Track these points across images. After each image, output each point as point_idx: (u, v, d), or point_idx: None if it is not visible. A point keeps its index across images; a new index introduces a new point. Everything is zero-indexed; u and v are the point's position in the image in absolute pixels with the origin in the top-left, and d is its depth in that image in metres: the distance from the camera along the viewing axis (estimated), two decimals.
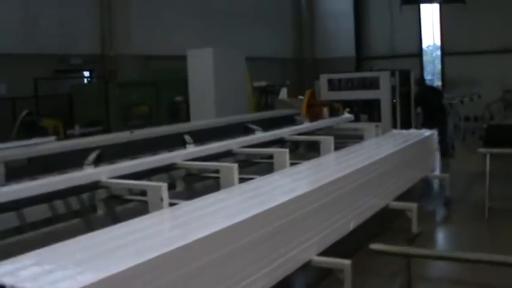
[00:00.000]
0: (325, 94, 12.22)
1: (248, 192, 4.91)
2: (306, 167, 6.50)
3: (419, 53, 21.62)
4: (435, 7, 21.19)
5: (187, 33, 17.09)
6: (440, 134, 12.77)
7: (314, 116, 10.77)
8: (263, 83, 14.85)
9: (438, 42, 21.70)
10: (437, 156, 9.71)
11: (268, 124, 9.60)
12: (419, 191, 9.70)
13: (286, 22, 22.38)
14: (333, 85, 12.29)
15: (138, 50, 15.31)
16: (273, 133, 8.23)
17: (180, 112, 11.21)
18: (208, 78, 10.42)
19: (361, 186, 6.23)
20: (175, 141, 6.66)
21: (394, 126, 11.85)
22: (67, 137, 9.72)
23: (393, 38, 21.77)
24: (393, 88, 11.88)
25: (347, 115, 10.52)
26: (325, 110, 10.97)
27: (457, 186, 9.76)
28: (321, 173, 6.07)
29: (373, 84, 11.86)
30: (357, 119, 10.69)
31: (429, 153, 9.44)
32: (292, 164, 6.55)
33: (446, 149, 12.97)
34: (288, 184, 5.40)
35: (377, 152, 7.45)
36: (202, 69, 10.49)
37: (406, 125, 12.73)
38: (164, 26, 16.47)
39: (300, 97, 14.07)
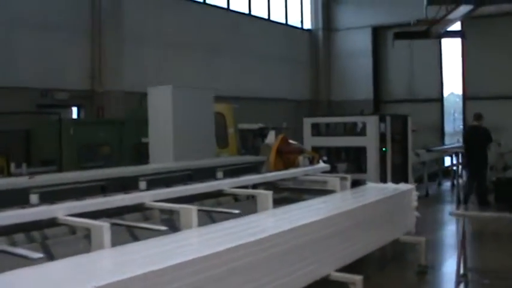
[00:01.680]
0: (309, 140, 10.83)
1: None
2: (218, 228, 5.20)
3: (440, 97, 19.91)
4: (457, 49, 19.54)
5: (188, 71, 16.06)
6: (481, 179, 12.01)
7: (286, 164, 9.40)
8: (255, 126, 13.50)
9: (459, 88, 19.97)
10: (414, 215, 8.07)
11: (230, 171, 8.33)
12: (391, 256, 8.21)
13: (302, 62, 21.20)
14: (317, 130, 10.87)
15: (130, 86, 14.29)
16: (210, 184, 6.86)
17: (147, 153, 9.95)
18: (167, 119, 9.19)
19: (280, 254, 4.96)
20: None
21: (383, 179, 10.31)
22: (10, 175, 8.59)
23: (413, 81, 20.24)
24: (383, 135, 10.34)
25: (322, 165, 9.07)
26: (301, 158, 9.57)
27: (442, 249, 8.17)
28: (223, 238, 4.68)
29: (354, 130, 10.37)
30: (333, 169, 9.16)
31: (404, 212, 7.87)
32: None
33: (484, 197, 11.97)
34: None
35: (322, 211, 6.05)
36: (161, 108, 9.27)
37: (399, 177, 11.19)
38: (161, 63, 15.45)
39: (291, 142, 12.70)
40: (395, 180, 11.18)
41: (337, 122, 10.81)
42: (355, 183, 9.51)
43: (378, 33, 20.58)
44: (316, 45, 21.61)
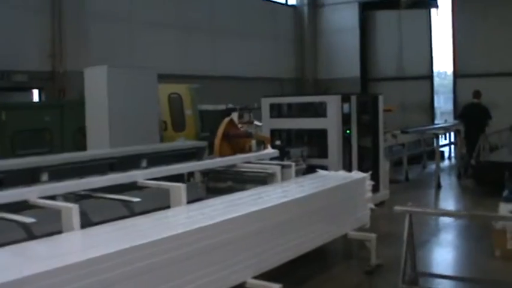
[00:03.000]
0: (267, 122, 9.78)
1: None
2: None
3: (430, 75, 18.69)
4: (448, 24, 18.27)
5: (161, 51, 14.99)
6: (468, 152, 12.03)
7: (235, 150, 8.40)
8: (222, 106, 12.45)
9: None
10: (368, 206, 7.05)
11: (162, 158, 7.34)
12: (341, 253, 7.27)
13: (287, 40, 20.01)
14: (275, 111, 9.80)
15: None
16: (121, 176, 5.88)
17: None
18: (102, 101, 8.17)
19: (171, 262, 4.09)
20: None
21: (348, 164, 9.25)
22: None
23: (402, 58, 19.01)
24: (347, 116, 9.26)
25: (268, 150, 8.04)
26: (254, 143, 8.57)
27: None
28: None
29: (319, 111, 9.30)
30: (283, 155, 8.13)
31: (354, 204, 6.86)
32: None
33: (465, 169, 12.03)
34: None
35: (242, 207, 5.18)
36: (97, 90, 8.25)
37: (368, 162, 10.17)
38: (132, 42, 14.38)
39: (257, 123, 11.68)
40: (363, 165, 10.23)
41: (297, 102, 9.71)
42: (309, 170, 8.57)
43: (365, 8, 19.33)
44: (301, 21, 20.40)
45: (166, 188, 5.66)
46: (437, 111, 26.81)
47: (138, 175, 5.95)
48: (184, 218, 4.94)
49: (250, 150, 8.64)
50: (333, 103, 9.12)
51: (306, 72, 20.45)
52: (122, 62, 13.78)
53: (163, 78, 13.59)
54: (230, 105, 13.11)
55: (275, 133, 9.77)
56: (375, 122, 10.29)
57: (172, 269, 4.11)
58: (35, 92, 13.12)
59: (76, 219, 4.58)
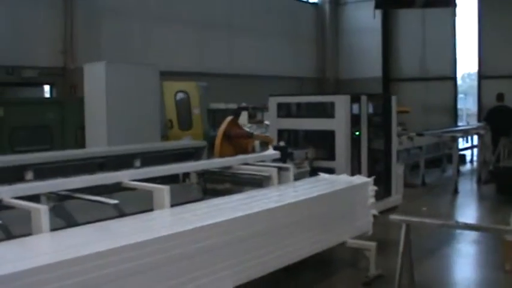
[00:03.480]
0: (274, 122, 9.41)
1: None
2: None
3: (453, 75, 18.07)
4: (473, 24, 17.64)
5: (177, 47, 14.77)
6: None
7: (237, 150, 8.09)
8: (233, 105, 12.15)
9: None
10: (371, 213, 6.67)
11: (162, 158, 7.12)
12: (341, 262, 6.90)
13: (308, 39, 19.63)
14: (283, 111, 9.44)
15: None
16: (108, 175, 5.61)
17: None
18: (101, 98, 7.92)
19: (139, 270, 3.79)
20: None
21: (356, 167, 8.85)
22: None
23: (425, 58, 18.49)
24: (356, 117, 8.84)
25: (269, 152, 7.69)
26: (257, 144, 8.24)
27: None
28: None
29: (327, 111, 8.90)
30: (285, 157, 7.77)
31: (355, 210, 6.48)
32: None
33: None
34: None
35: (225, 212, 4.86)
36: (95, 86, 8.01)
37: (380, 165, 9.75)
38: (145, 36, 14.17)
39: (267, 122, 11.33)
40: (374, 169, 9.79)
41: (305, 101, 9.32)
42: (315, 173, 8.21)
43: (379, 6, 18.65)
44: (323, 20, 19.99)
45: (150, 189, 5.37)
46: (464, 113, 26.22)
47: (123, 175, 5.67)
48: (159, 223, 4.64)
49: (253, 151, 8.33)
50: (341, 103, 8.70)
51: (327, 72, 20.02)
52: (135, 58, 13.58)
53: (177, 75, 13.52)
54: (243, 104, 12.81)
55: (282, 133, 9.40)
56: (387, 124, 9.83)
57: (135, 279, 3.81)
58: (46, 88, 13.01)
59: (45, 221, 4.33)
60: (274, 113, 9.42)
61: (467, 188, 12.28)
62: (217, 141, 7.89)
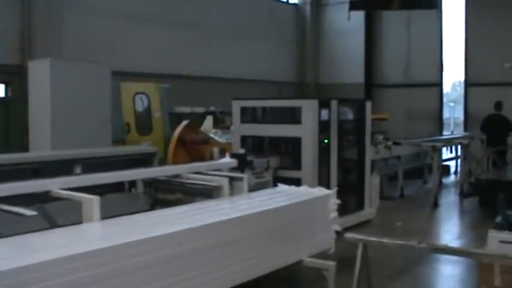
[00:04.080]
0: (237, 127, 8.99)
1: None
2: None
3: (439, 82, 17.78)
4: (460, 28, 17.38)
5: (145, 46, 14.30)
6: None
7: (193, 157, 7.67)
8: (200, 109, 11.71)
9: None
10: (333, 228, 6.26)
11: (106, 164, 6.67)
12: (301, 281, 6.47)
13: (288, 41, 19.24)
14: (247, 116, 9.04)
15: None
16: (34, 183, 5.17)
17: None
18: (45, 99, 7.45)
19: None
20: None
21: (326, 179, 8.46)
22: None
23: (409, 64, 18.19)
24: (325, 124, 8.45)
25: (225, 160, 7.27)
26: (216, 150, 7.82)
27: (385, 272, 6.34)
28: None
29: (293, 116, 8.51)
30: (243, 165, 7.35)
31: (314, 226, 6.06)
32: None
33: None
34: None
35: (161, 227, 4.41)
36: (39, 86, 7.53)
37: (352, 175, 9.40)
38: (112, 35, 13.68)
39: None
40: (347, 179, 9.43)
41: (271, 106, 8.92)
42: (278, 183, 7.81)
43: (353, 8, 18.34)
44: (303, 21, 19.62)
45: (79, 200, 4.94)
46: (452, 122, 26.00)
47: (53, 184, 5.22)
48: (74, 238, 4.19)
49: (211, 159, 7.92)
50: (308, 108, 8.30)
51: (307, 76, 19.66)
52: (99, 57, 13.05)
53: (143, 76, 13.09)
54: (212, 108, 12.37)
55: (246, 140, 9.01)
56: (360, 131, 9.46)
57: None
58: (1, 87, 12.50)
59: None
60: (237, 118, 9.02)
61: (449, 201, 11.91)
62: (171, 147, 7.48)
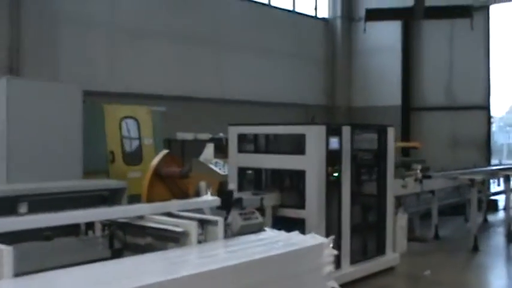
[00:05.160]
0: (234, 158, 8.15)
1: None
2: None
3: (486, 105, 16.58)
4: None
5: (154, 65, 13.64)
6: None
7: (175, 192, 6.87)
8: (205, 135, 10.92)
9: None
10: (328, 286, 5.31)
11: (61, 202, 5.94)
12: None
13: (316, 60, 18.40)
14: (246, 144, 8.20)
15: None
16: None
17: None
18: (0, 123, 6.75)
19: None
20: None
21: (335, 221, 7.53)
22: None
23: (452, 83, 17.09)
24: (335, 154, 7.54)
25: (208, 198, 6.41)
26: (203, 185, 6.99)
27: None
28: None
29: (298, 145, 7.61)
30: (228, 204, 6.47)
31: (300, 284, 5.13)
32: None
33: None
34: None
35: None
36: None
37: (370, 215, 8.47)
38: (113, 52, 13.06)
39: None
40: (366, 219, 8.48)
41: (270, 132, 8.02)
42: (278, 224, 7.04)
43: (409, 24, 17.51)
44: (334, 37, 18.71)
45: None
46: (505, 150, 24.54)
47: None
48: None
49: (197, 195, 7.05)
50: (313, 136, 7.40)
51: (338, 99, 18.72)
52: (99, 78, 12.53)
53: (149, 99, 12.44)
54: (221, 135, 11.54)
55: (245, 173, 8.16)
56: (381, 162, 8.48)
57: None
58: None
59: None
60: (234, 147, 8.20)
61: (494, 244, 10.78)
62: (145, 181, 6.65)
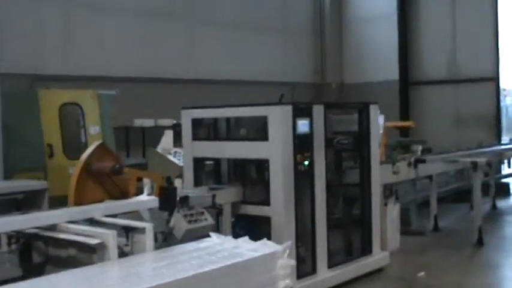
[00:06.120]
0: (189, 147, 7.41)
1: None
2: None
3: (494, 75, 15.78)
4: None
5: (118, 42, 12.82)
6: None
7: (111, 191, 6.15)
8: (167, 121, 10.16)
9: None
10: None
11: None
12: None
13: (303, 32, 17.59)
14: (201, 130, 7.46)
15: (10, 64, 11.05)
16: None
17: None
18: None
19: None
20: None
21: (307, 217, 6.82)
22: None
23: (456, 54, 16.22)
24: (305, 138, 6.76)
25: (142, 198, 5.69)
26: (147, 183, 6.25)
27: None
28: None
29: (259, 130, 6.85)
30: (171, 204, 5.76)
31: None
32: None
33: None
34: None
35: None
36: None
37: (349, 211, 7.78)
38: (67, 27, 12.17)
39: None
40: (347, 213, 7.78)
41: (227, 116, 7.22)
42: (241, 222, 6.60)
43: None
44: (322, 8, 17.85)
45: None
46: None
47: None
48: None
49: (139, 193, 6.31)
50: (277, 118, 6.62)
51: (328, 75, 17.90)
52: (50, 61, 11.72)
53: (110, 81, 11.63)
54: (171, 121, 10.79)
55: (202, 164, 7.41)
56: (364, 147, 7.71)
57: None
58: None
59: None
60: (188, 134, 7.43)
61: (501, 236, 10.02)
62: (73, 179, 5.89)
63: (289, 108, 6.65)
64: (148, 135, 10.78)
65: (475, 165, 9.14)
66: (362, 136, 7.70)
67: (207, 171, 7.49)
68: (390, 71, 16.92)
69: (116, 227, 4.88)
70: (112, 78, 12.05)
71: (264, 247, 4.73)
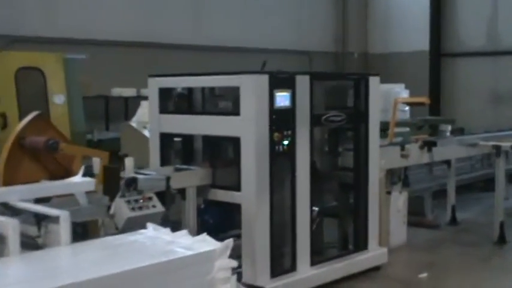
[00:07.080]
0: (156, 120, 6.95)
1: None
2: None
3: None
4: None
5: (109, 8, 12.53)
6: None
7: (48, 170, 5.79)
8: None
9: None
10: None
11: None
12: None
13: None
14: (169, 102, 7.00)
15: None
16: None
17: None
18: None
19: None
20: None
21: (287, 206, 6.34)
22: None
23: (495, 23, 15.77)
24: (285, 113, 6.23)
25: (76, 179, 5.24)
26: (97, 161, 5.82)
27: None
28: None
29: (231, 103, 6.37)
30: (114, 187, 5.33)
31: None
32: None
33: None
34: None
35: None
36: None
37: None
38: None
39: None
40: (343, 203, 7.31)
41: (197, 85, 6.73)
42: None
43: None
44: None
45: None
46: None
47: None
48: None
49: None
50: (251, 89, 6.09)
51: (350, 44, 17.67)
52: (30, 21, 11.42)
53: (95, 44, 11.35)
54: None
55: (170, 141, 6.95)
56: (361, 125, 7.16)
57: None
58: None
59: None
60: (155, 106, 6.97)
61: None
62: (3, 154, 5.51)
63: (265, 77, 6.10)
64: (133, 107, 10.41)
65: (498, 149, 8.52)
66: (358, 113, 7.13)
67: (176, 150, 7.03)
68: (420, 40, 16.63)
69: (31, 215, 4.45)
70: (98, 41, 11.78)
71: (201, 244, 4.24)
